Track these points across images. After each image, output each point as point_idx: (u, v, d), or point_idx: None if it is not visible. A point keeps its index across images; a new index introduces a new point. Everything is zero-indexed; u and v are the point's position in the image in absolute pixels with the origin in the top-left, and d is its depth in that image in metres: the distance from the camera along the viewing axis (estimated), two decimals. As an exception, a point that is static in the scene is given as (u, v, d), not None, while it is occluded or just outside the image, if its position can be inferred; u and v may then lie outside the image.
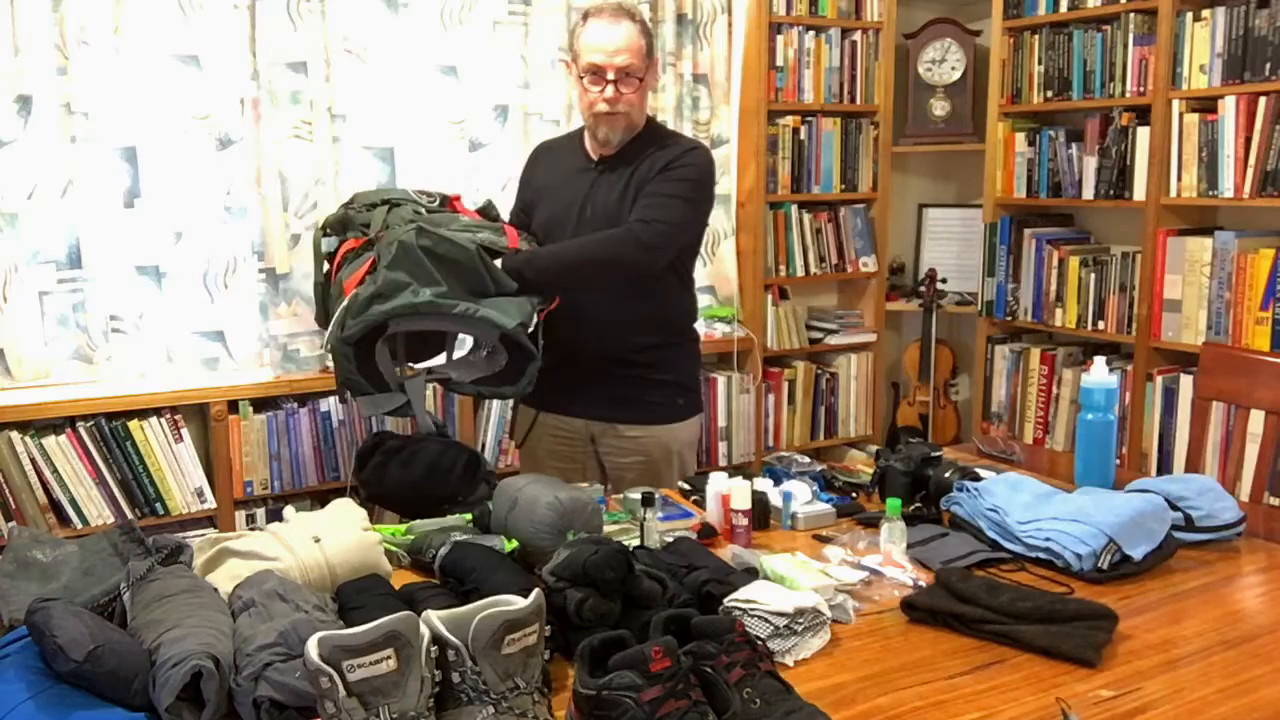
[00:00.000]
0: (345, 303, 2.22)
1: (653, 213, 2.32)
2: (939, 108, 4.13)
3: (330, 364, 3.14)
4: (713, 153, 2.71)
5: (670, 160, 2.38)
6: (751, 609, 1.53)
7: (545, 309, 2.34)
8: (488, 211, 2.58)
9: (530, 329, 2.26)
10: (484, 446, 3.38)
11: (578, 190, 2.44)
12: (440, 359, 2.54)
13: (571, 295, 2.37)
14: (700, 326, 3.72)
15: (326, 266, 2.49)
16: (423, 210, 2.43)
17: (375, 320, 2.19)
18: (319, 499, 3.08)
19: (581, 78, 2.37)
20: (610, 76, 2.32)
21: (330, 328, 2.27)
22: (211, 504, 3.00)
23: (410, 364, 2.54)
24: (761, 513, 2.03)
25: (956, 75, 4.09)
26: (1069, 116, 3.70)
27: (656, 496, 1.97)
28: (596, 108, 2.36)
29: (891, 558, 1.82)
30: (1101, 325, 3.56)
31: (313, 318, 3.07)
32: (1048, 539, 1.83)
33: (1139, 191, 3.38)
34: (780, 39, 3.77)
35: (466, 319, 2.22)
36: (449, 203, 2.52)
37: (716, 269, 3.79)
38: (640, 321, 2.44)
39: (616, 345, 2.43)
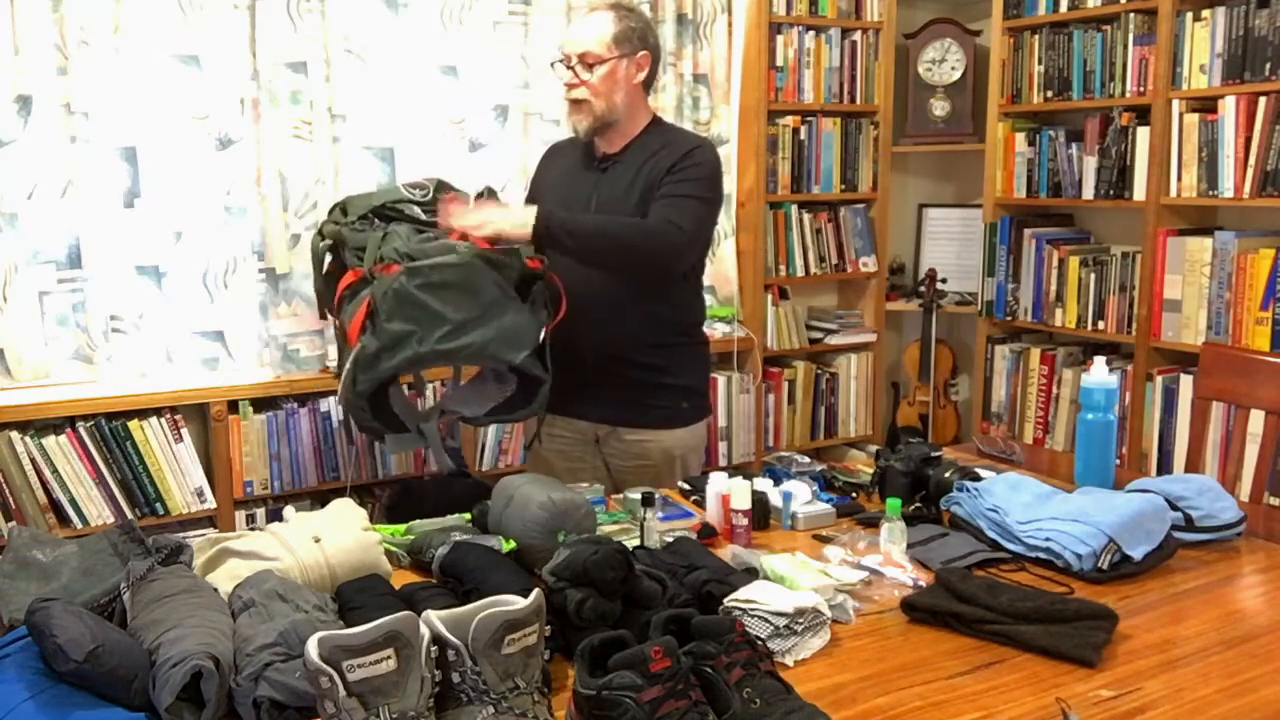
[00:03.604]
0: (353, 355, 2.20)
1: (673, 214, 2.28)
2: (939, 108, 4.12)
3: (330, 364, 3.15)
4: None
5: (676, 160, 2.34)
6: (751, 609, 1.53)
7: (553, 322, 2.32)
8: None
9: (539, 345, 2.25)
10: (484, 447, 3.38)
11: (584, 186, 2.43)
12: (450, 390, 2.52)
13: (590, 266, 2.32)
14: (701, 327, 3.76)
15: (326, 266, 2.47)
16: (417, 216, 2.39)
17: (385, 375, 2.20)
18: (319, 499, 3.07)
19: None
20: (572, 64, 2.36)
21: (342, 380, 2.25)
22: (211, 504, 3.00)
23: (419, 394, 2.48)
24: (761, 513, 2.03)
25: (956, 75, 4.09)
26: (1069, 116, 3.70)
27: (656, 496, 1.97)
28: (564, 96, 2.41)
29: (891, 558, 1.82)
30: (1101, 325, 3.55)
31: (313, 318, 3.09)
32: (1048, 539, 1.83)
33: (1139, 191, 3.38)
34: (780, 39, 3.77)
35: (475, 357, 2.22)
36: (444, 192, 2.49)
37: (716, 269, 3.78)
38: (647, 323, 2.40)
39: (623, 347, 2.40)
